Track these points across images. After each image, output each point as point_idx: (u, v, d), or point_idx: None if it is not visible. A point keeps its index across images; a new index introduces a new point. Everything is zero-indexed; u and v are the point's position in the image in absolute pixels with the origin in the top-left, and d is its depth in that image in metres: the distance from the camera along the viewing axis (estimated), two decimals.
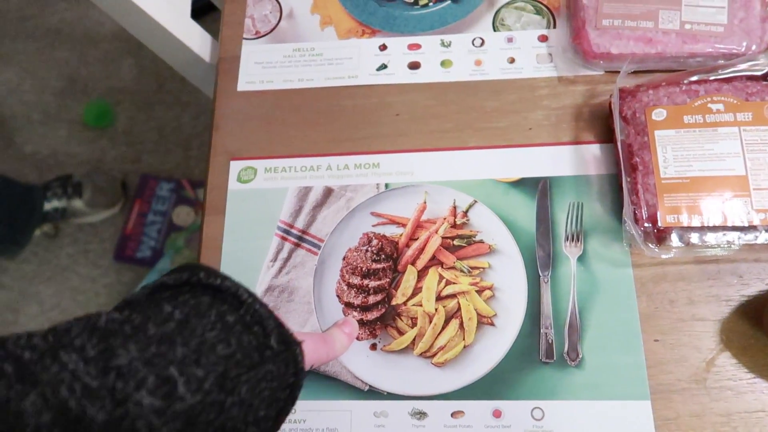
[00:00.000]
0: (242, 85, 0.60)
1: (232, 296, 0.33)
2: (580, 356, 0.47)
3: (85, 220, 1.37)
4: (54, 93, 1.53)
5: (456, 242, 0.52)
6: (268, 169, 0.56)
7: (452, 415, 0.47)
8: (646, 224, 0.47)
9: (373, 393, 0.48)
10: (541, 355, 0.48)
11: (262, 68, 0.60)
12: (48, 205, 1.32)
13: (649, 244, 0.47)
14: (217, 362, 0.29)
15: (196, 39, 0.63)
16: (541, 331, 0.48)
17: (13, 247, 1.33)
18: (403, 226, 0.53)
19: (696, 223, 0.47)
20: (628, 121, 0.51)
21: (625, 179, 0.49)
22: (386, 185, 0.54)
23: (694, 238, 0.47)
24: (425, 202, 0.53)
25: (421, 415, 0.48)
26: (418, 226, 0.53)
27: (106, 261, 1.37)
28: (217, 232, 0.55)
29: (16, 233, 1.30)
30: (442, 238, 0.52)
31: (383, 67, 0.59)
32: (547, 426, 0.46)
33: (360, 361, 0.49)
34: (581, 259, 0.50)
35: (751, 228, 0.47)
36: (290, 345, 0.34)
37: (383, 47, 0.59)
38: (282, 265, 0.53)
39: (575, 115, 0.55)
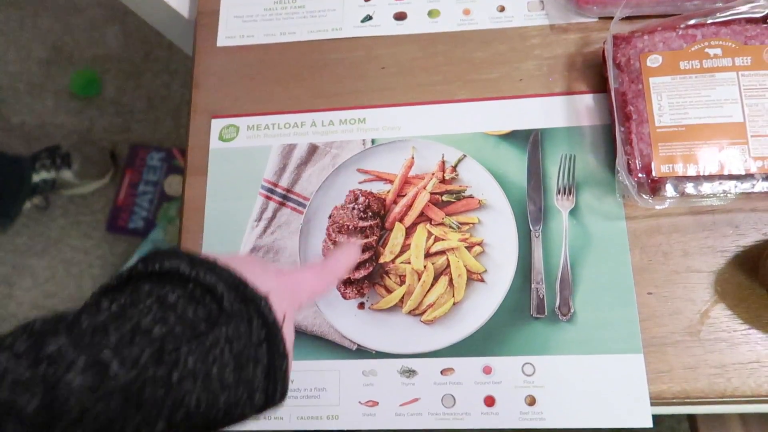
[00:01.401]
0: (222, 41, 0.57)
1: (177, 276, 0.32)
2: (572, 311, 0.46)
3: (75, 192, 1.35)
4: (39, 62, 1.49)
5: (445, 198, 0.50)
6: (251, 126, 0.54)
7: (442, 372, 0.47)
8: (640, 174, 0.46)
9: (362, 352, 0.48)
10: (532, 310, 0.47)
11: (242, 22, 0.58)
12: (36, 177, 1.30)
13: (643, 195, 0.46)
14: (153, 341, 0.28)
15: None
16: (532, 286, 0.47)
17: (3, 220, 1.32)
18: (391, 182, 0.51)
19: (691, 172, 0.45)
20: (622, 68, 0.49)
21: (618, 129, 0.47)
22: (372, 141, 0.52)
23: (690, 187, 0.46)
24: (413, 158, 0.52)
25: (410, 373, 0.47)
26: (406, 182, 0.51)
27: (98, 232, 1.35)
28: (200, 194, 0.53)
29: (4, 205, 1.29)
30: (431, 193, 0.50)
31: (368, 18, 0.56)
32: (538, 381, 0.45)
33: (348, 320, 0.48)
34: (573, 212, 0.49)
35: (748, 176, 0.45)
36: (250, 302, 0.32)
37: None
38: (266, 225, 0.51)
39: (568, 65, 0.53)
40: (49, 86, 1.47)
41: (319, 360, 0.48)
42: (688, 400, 0.44)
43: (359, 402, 0.47)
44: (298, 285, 0.38)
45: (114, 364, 0.27)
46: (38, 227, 1.36)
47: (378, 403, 0.46)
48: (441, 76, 0.54)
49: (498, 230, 0.49)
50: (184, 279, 0.32)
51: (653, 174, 0.46)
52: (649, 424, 0.44)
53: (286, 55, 0.56)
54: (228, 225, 0.52)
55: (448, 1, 0.56)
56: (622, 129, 0.47)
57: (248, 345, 0.32)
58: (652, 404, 0.44)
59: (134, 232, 1.33)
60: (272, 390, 0.33)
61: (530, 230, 0.49)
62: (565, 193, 0.49)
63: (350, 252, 0.43)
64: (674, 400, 0.44)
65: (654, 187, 0.46)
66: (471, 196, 0.50)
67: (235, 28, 0.57)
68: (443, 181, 0.51)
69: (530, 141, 0.51)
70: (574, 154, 0.50)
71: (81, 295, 1.31)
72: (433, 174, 0.51)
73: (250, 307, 0.32)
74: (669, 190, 0.46)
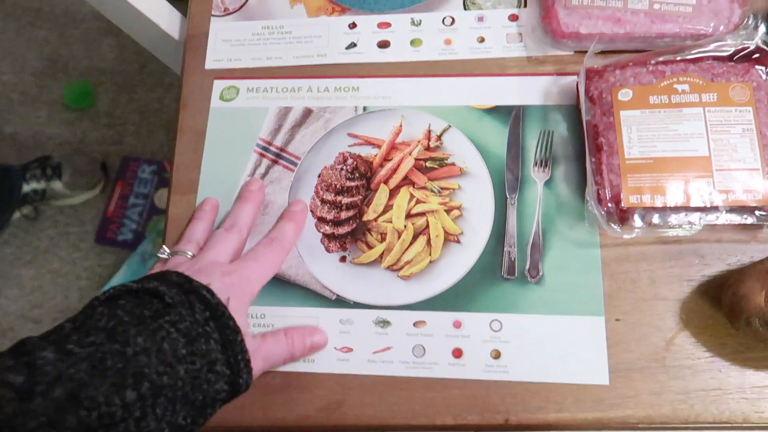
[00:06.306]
0: (210, 63, 0.59)
1: (126, 292, 0.40)
2: (541, 274, 0.49)
3: (65, 203, 1.36)
4: (34, 73, 1.50)
5: (428, 164, 0.53)
6: (251, 89, 0.57)
7: (414, 324, 0.49)
8: (609, 204, 0.47)
9: (340, 302, 0.50)
10: (503, 271, 0.49)
11: (230, 46, 0.59)
12: (27, 187, 1.31)
13: (612, 225, 0.47)
14: (104, 329, 0.37)
15: (164, 16, 0.62)
16: (505, 249, 0.50)
17: None
18: (379, 147, 0.54)
19: (659, 203, 0.47)
20: (594, 101, 0.50)
21: (589, 159, 0.49)
22: (364, 108, 0.55)
23: (656, 218, 0.47)
24: (401, 125, 0.54)
25: (384, 323, 0.49)
26: (393, 147, 0.54)
27: (87, 244, 1.36)
28: (184, 213, 0.54)
29: None
30: (416, 159, 0.53)
31: (352, 45, 0.58)
32: (504, 337, 0.48)
33: (329, 272, 0.51)
34: (548, 183, 0.51)
35: (713, 209, 0.47)
36: (190, 292, 0.40)
37: (353, 25, 0.59)
38: None
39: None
40: (42, 97, 1.48)
41: (301, 307, 0.50)
42: (653, 426, 0.46)
43: (335, 348, 0.49)
44: (244, 278, 0.45)
45: (75, 348, 0.35)
46: (27, 237, 1.37)
47: (352, 349, 0.49)
48: None
49: (476, 196, 0.52)
50: (133, 292, 0.40)
51: (622, 204, 0.47)
52: (606, 381, 0.46)
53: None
54: (223, 180, 0.55)
55: (430, 30, 0.58)
56: (593, 160, 0.49)
57: (194, 323, 0.38)
58: (618, 429, 0.46)
59: (123, 244, 1.34)
60: (234, 361, 0.39)
61: (506, 198, 0.51)
62: (541, 166, 0.52)
63: (294, 222, 0.51)
64: (639, 425, 0.45)
65: (622, 217, 0.47)
66: (453, 164, 0.53)
67: (223, 52, 0.59)
68: (428, 148, 0.54)
69: (512, 116, 0.54)
70: (552, 130, 0.53)
71: (67, 306, 1.31)
72: (419, 141, 0.54)
73: (191, 296, 0.40)
74: (637, 220, 0.47)
